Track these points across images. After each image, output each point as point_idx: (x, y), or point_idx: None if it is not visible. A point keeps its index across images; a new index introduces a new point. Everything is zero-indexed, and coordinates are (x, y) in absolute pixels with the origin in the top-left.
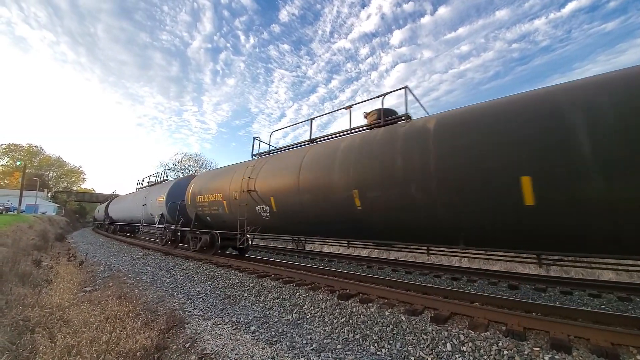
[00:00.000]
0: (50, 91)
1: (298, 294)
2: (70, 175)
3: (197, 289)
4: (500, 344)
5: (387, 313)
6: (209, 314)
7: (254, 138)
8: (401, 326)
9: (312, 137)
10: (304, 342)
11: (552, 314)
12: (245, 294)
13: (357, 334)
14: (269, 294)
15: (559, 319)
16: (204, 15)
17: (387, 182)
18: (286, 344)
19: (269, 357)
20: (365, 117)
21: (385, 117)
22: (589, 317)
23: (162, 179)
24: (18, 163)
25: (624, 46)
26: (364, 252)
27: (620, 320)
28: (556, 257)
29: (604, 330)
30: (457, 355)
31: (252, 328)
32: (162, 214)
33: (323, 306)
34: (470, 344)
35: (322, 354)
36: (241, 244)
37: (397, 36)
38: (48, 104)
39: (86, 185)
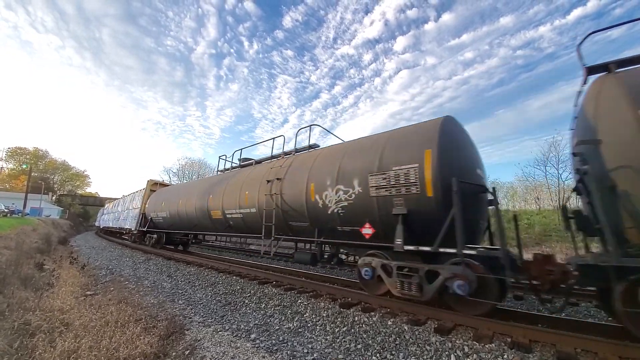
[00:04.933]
0: (56, 95)
1: (299, 301)
2: (75, 179)
3: (198, 295)
4: (505, 357)
5: (389, 323)
6: (210, 320)
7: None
8: (404, 336)
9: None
10: (305, 351)
11: (558, 326)
12: (246, 301)
13: (359, 344)
14: (270, 301)
15: (565, 331)
16: (208, 21)
17: None
18: (287, 352)
19: None
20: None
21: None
22: (596, 329)
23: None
24: (24, 166)
25: (630, 53)
26: None
27: (628, 333)
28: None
29: (612, 344)
30: None
31: (253, 336)
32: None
33: (324, 314)
34: (474, 356)
35: None
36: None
37: (400, 42)
38: (54, 108)
39: (90, 189)
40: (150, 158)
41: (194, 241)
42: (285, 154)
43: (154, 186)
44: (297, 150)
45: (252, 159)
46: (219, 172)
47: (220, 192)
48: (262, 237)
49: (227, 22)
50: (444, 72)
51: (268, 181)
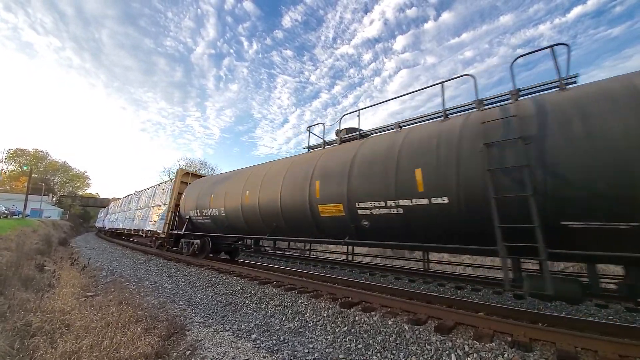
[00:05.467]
0: (56, 96)
1: (300, 301)
2: (76, 180)
3: (199, 295)
4: (505, 356)
5: (390, 322)
6: (210, 320)
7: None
8: (404, 336)
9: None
10: (306, 351)
11: (558, 325)
12: (247, 301)
13: (359, 344)
14: (271, 301)
15: (565, 330)
16: (207, 22)
17: None
18: (287, 352)
19: None
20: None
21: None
22: (596, 328)
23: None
24: (24, 168)
25: (630, 52)
26: (367, 260)
27: (628, 332)
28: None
29: (612, 342)
30: None
31: (254, 336)
32: (162, 219)
33: (325, 314)
34: (475, 355)
35: None
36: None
37: (400, 42)
38: (55, 109)
39: (91, 190)
40: (151, 159)
41: (251, 248)
42: (481, 102)
43: (186, 177)
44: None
45: (360, 129)
46: (310, 150)
47: (337, 174)
48: (500, 255)
49: (227, 22)
50: (444, 71)
51: (489, 144)
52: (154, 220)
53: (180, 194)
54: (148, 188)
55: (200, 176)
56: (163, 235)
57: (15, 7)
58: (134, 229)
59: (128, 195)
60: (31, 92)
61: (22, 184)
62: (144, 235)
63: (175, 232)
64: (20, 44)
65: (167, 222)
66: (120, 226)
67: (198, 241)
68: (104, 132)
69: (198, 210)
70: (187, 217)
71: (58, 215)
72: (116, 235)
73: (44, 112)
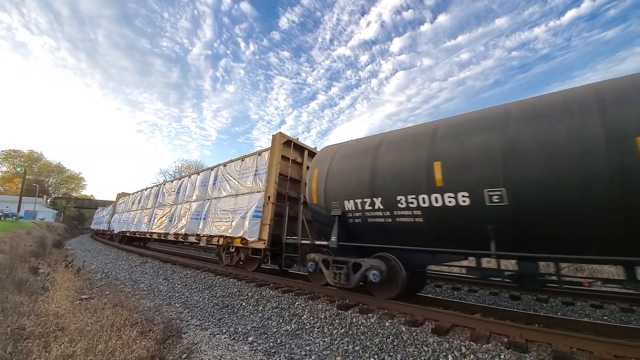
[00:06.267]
0: (51, 97)
1: (297, 303)
2: (70, 182)
3: (195, 298)
4: (502, 357)
5: (387, 324)
6: (207, 323)
7: None
8: (402, 337)
9: None
10: (303, 353)
11: (554, 326)
12: (244, 303)
13: (357, 346)
14: (268, 303)
15: (561, 331)
16: (204, 22)
17: None
18: (285, 355)
19: None
20: None
21: None
22: (592, 328)
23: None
24: (18, 169)
25: (624, 54)
26: None
27: (623, 332)
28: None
29: (607, 343)
30: None
31: (250, 338)
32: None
33: (322, 316)
34: (472, 356)
35: None
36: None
37: (396, 44)
38: (49, 110)
39: (86, 192)
40: (147, 161)
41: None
42: None
43: (286, 149)
44: None
45: None
46: None
47: None
48: None
49: (223, 23)
50: (440, 73)
51: None
52: (230, 219)
53: (283, 175)
54: (197, 172)
55: (305, 148)
56: (262, 246)
57: (9, 7)
58: (176, 234)
59: (151, 187)
60: (25, 93)
61: (16, 185)
62: (203, 244)
63: (312, 242)
64: (15, 44)
65: (268, 221)
66: (143, 229)
67: (382, 264)
68: (100, 133)
69: (381, 201)
70: (336, 215)
71: (52, 217)
72: (127, 242)
73: (39, 113)
